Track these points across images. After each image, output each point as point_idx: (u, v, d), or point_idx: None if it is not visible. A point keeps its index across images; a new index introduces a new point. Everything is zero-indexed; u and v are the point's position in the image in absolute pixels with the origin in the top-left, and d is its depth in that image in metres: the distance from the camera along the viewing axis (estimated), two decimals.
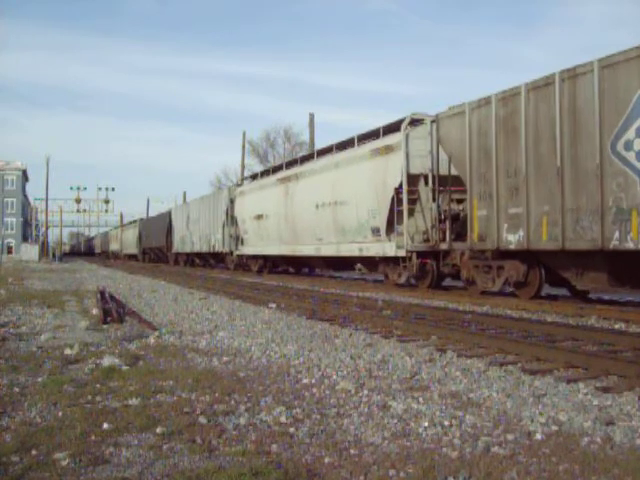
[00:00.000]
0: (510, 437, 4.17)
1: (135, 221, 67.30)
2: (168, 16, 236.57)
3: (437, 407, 4.91)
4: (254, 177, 30.99)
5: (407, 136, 16.08)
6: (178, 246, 43.25)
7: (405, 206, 15.84)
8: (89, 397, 5.24)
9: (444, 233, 14.80)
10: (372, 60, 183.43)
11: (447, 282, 16.87)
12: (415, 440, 4.16)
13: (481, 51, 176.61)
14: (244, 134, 52.18)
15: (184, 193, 71.16)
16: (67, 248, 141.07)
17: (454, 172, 14.29)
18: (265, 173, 28.70)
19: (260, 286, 18.92)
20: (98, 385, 5.69)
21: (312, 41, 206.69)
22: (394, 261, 16.92)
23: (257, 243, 27.52)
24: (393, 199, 16.24)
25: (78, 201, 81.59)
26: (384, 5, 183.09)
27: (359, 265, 21.41)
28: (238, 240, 30.33)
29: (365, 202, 17.74)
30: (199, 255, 39.59)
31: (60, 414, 4.73)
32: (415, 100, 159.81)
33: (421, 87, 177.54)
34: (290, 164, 25.61)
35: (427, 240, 15.65)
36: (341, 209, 19.25)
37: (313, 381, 5.90)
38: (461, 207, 14.70)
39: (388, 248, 16.66)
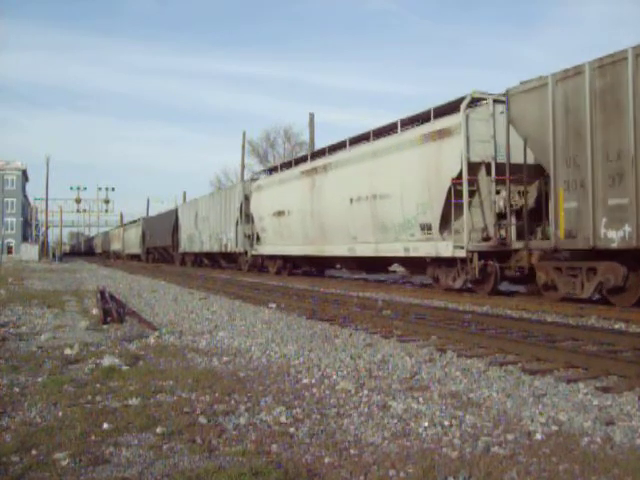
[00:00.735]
0: (510, 437, 4.17)
1: (138, 220, 65.15)
2: (168, 16, 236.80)
3: (437, 407, 4.91)
4: (272, 170, 28.17)
5: (467, 118, 13.89)
6: (185, 245, 41.17)
7: (466, 199, 13.76)
8: (89, 397, 5.24)
9: (506, 230, 13.29)
10: (372, 60, 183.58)
11: (505, 286, 15.24)
12: (415, 440, 4.16)
13: (481, 51, 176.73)
14: (244, 134, 52.20)
15: (184, 193, 71.20)
16: (67, 248, 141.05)
17: (529, 159, 12.47)
18: (286, 165, 25.79)
19: (260, 286, 18.92)
20: (98, 385, 5.69)
21: (312, 41, 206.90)
22: (448, 263, 14.89)
23: (276, 242, 25.18)
24: (450, 191, 14.08)
25: (78, 201, 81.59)
26: (384, 5, 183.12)
27: (397, 267, 19.93)
28: (253, 239, 28.07)
29: (413, 195, 15.53)
30: (208, 255, 37.42)
31: (60, 414, 4.73)
32: (415, 100, 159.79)
33: (421, 87, 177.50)
34: (316, 154, 22.89)
35: (487, 238, 13.81)
36: (382, 203, 16.86)
37: (313, 381, 5.90)
38: (523, 200, 13.04)
39: (443, 248, 14.53)
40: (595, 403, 5.00)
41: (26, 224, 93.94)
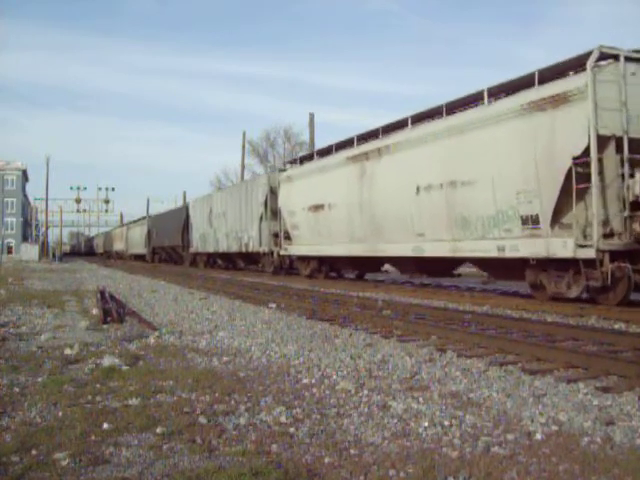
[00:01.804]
0: (510, 437, 4.17)
1: (143, 218, 61.67)
2: (168, 16, 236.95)
3: (437, 407, 4.91)
4: (305, 159, 24.16)
5: (594, 79, 10.91)
6: (197, 245, 37.65)
7: (596, 184, 10.70)
8: (89, 397, 5.24)
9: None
10: (372, 60, 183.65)
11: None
12: (415, 440, 4.16)
13: (481, 51, 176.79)
14: (244, 134, 52.21)
15: (184, 193, 71.18)
16: (67, 248, 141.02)
17: None
18: (324, 152, 21.85)
19: (260, 286, 18.91)
20: (98, 385, 5.69)
21: (312, 41, 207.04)
22: (559, 265, 11.93)
23: (312, 241, 21.76)
24: (570, 173, 11.05)
25: (78, 201, 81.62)
26: (384, 5, 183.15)
27: (470, 269, 17.08)
28: (281, 238, 24.61)
29: (510, 180, 12.48)
30: (224, 256, 33.95)
31: (60, 414, 4.72)
32: (415, 100, 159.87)
33: (421, 87, 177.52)
34: (366, 137, 19.04)
35: (609, 234, 10.94)
36: (463, 192, 13.80)
37: (313, 381, 5.90)
38: None
39: (558, 246, 11.44)
40: (595, 403, 5.00)
41: (26, 224, 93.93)
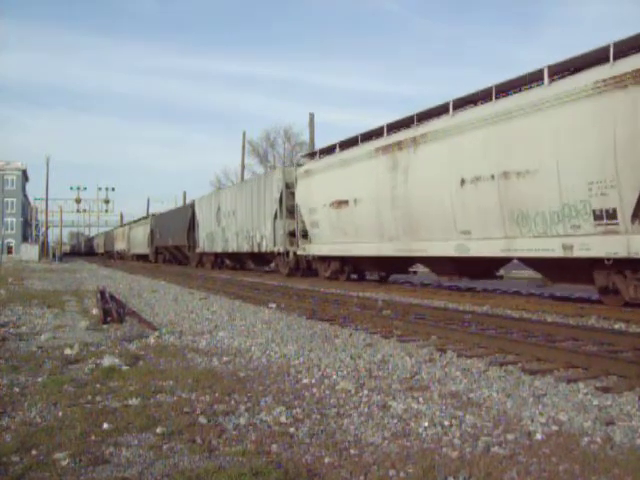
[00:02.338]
0: (510, 437, 4.17)
1: (146, 217, 59.90)
2: (168, 16, 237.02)
3: (437, 407, 4.91)
4: (325, 151, 21.80)
5: None
6: (204, 245, 35.93)
7: None
8: (89, 397, 5.24)
9: None
10: (372, 60, 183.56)
11: None
12: (415, 440, 4.16)
13: (481, 51, 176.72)
14: (244, 134, 52.24)
15: (184, 193, 71.21)
16: (67, 248, 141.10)
17: None
18: (348, 143, 19.71)
19: (260, 286, 18.92)
20: (98, 385, 5.69)
21: (312, 41, 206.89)
22: (637, 267, 10.53)
23: (334, 239, 20.03)
24: None
25: (78, 201, 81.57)
26: (384, 5, 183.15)
27: (518, 271, 15.57)
28: (297, 236, 22.99)
29: (579, 170, 10.99)
30: (234, 256, 32.24)
31: (60, 414, 4.73)
32: (415, 100, 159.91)
33: (421, 87, 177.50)
34: (397, 125, 17.12)
35: None
36: (519, 184, 12.20)
37: (313, 381, 5.90)
38: None
39: None
40: (595, 403, 5.00)
41: (26, 224, 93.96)
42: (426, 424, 4.46)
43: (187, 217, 40.24)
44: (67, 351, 7.41)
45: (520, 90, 12.83)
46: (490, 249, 13.30)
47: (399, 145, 16.23)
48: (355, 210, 18.47)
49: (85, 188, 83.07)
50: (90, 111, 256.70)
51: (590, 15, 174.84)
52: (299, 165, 23.94)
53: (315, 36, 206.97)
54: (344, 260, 20.81)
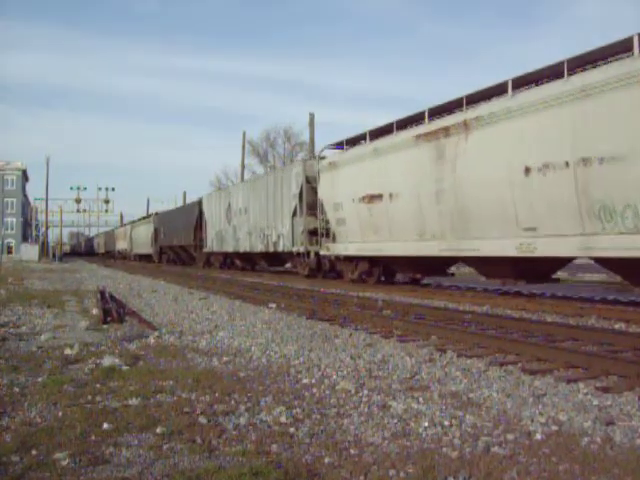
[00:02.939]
0: (510, 437, 4.17)
1: (149, 215, 57.50)
2: (169, 17, 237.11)
3: (437, 407, 4.91)
4: (353, 141, 19.67)
5: None
6: (213, 244, 33.95)
7: None
8: (89, 397, 5.24)
9: None
10: (372, 60, 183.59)
11: None
12: (415, 440, 4.16)
13: (481, 51, 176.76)
14: (244, 134, 52.30)
15: (184, 193, 71.28)
16: (67, 248, 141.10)
17: None
18: (381, 132, 17.64)
19: (260, 286, 18.91)
20: (98, 385, 5.69)
21: (312, 41, 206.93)
22: None
23: (364, 238, 18.16)
24: None
25: (78, 201, 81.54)
26: (384, 5, 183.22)
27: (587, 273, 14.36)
28: (319, 235, 20.92)
29: None
30: (244, 256, 30.55)
31: (60, 414, 4.72)
32: (415, 100, 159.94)
33: (421, 87, 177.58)
34: (441, 110, 15.13)
35: None
36: (603, 171, 10.39)
37: (313, 381, 5.90)
38: None
39: None
40: (595, 403, 5.00)
41: (26, 224, 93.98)
42: (426, 424, 4.46)
43: (194, 215, 38.20)
44: (67, 351, 7.41)
45: (595, 65, 11.12)
46: (562, 248, 11.43)
47: (446, 131, 14.21)
48: (390, 205, 16.49)
49: (85, 188, 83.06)
50: (90, 111, 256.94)
51: (590, 15, 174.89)
52: (322, 158, 21.40)
53: (315, 36, 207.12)
54: (373, 261, 18.93)
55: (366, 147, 18.19)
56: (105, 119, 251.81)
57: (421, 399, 5.17)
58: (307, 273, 22.75)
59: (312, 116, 40.08)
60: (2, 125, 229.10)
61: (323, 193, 20.53)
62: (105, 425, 4.39)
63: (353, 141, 19.64)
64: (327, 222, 20.49)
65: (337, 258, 20.52)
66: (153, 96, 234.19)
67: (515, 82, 12.65)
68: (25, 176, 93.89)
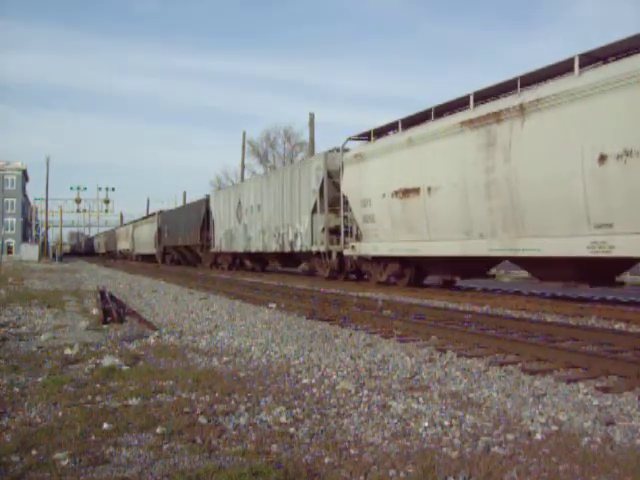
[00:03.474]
0: (510, 437, 4.17)
1: (152, 214, 55.56)
2: (169, 17, 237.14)
3: (437, 407, 4.91)
4: (382, 131, 18.03)
5: None
6: (221, 244, 32.42)
7: None
8: (89, 397, 5.24)
9: None
10: (373, 60, 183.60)
11: None
12: (415, 440, 4.16)
13: (481, 51, 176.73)
14: (244, 134, 52.29)
15: (184, 193, 71.20)
16: (67, 248, 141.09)
17: None
18: (416, 120, 16.12)
19: (260, 286, 18.92)
20: (98, 385, 5.69)
21: (312, 41, 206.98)
22: None
23: (397, 236, 16.51)
24: None
25: (78, 201, 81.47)
26: (384, 5, 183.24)
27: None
28: (341, 233, 19.45)
29: None
30: (256, 256, 29.02)
31: (60, 414, 4.72)
32: (415, 100, 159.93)
33: (421, 87, 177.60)
34: (488, 94, 13.71)
35: None
36: None
37: (313, 381, 5.90)
38: None
39: None
40: (595, 403, 5.00)
41: (26, 224, 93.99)
42: (426, 424, 4.46)
43: (200, 214, 36.26)
44: (67, 351, 7.41)
45: None
46: None
47: (497, 116, 12.70)
48: (428, 200, 14.86)
49: (85, 188, 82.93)
50: (90, 111, 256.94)
51: (590, 15, 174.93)
52: (345, 150, 19.72)
53: (315, 36, 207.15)
54: (404, 261, 17.32)
55: (398, 137, 16.50)
56: (105, 119, 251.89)
57: (421, 399, 5.17)
58: (328, 275, 21.34)
59: (312, 116, 40.09)
60: (2, 125, 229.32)
61: (348, 188, 18.84)
62: (105, 425, 4.39)
63: (381, 131, 18.03)
64: (352, 219, 18.87)
65: (361, 259, 18.95)
66: (153, 96, 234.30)
67: (582, 60, 11.31)
68: (25, 176, 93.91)
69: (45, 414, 4.75)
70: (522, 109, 12.09)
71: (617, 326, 9.47)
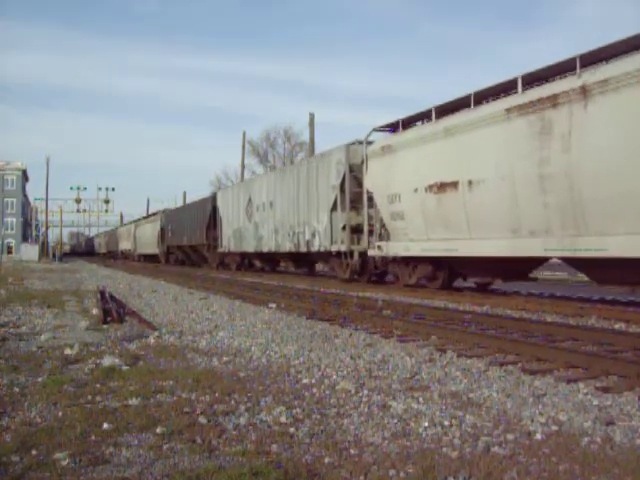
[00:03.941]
0: (510, 437, 4.17)
1: (155, 213, 54.12)
2: (169, 17, 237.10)
3: (437, 407, 4.91)
4: (412, 121, 16.63)
5: None
6: (229, 244, 30.79)
7: None
8: (89, 397, 5.24)
9: None
10: (373, 60, 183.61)
11: None
12: (415, 440, 4.16)
13: (481, 51, 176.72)
14: (244, 134, 52.27)
15: (184, 193, 71.26)
16: (67, 248, 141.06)
17: None
18: (452, 108, 14.65)
19: (260, 286, 18.91)
20: (98, 385, 5.69)
21: (312, 41, 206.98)
22: None
23: (430, 235, 15.07)
24: None
25: (78, 201, 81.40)
26: (384, 5, 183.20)
27: None
28: (364, 232, 18.11)
29: None
30: (268, 256, 27.47)
31: (60, 414, 4.72)
32: (415, 100, 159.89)
33: (421, 87, 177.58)
34: (539, 76, 12.25)
35: None
36: None
37: (313, 381, 5.90)
38: None
39: None
40: (595, 403, 5.00)
41: (26, 224, 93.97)
42: (426, 424, 4.46)
43: (206, 212, 34.58)
44: (67, 351, 7.41)
45: None
46: None
47: (553, 101, 11.22)
48: (469, 195, 13.51)
49: (85, 188, 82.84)
50: (90, 111, 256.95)
51: (590, 15, 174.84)
52: (369, 142, 18.11)
53: (315, 36, 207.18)
54: (436, 262, 15.90)
55: (433, 126, 15.02)
56: (105, 119, 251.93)
57: (421, 399, 5.16)
58: (348, 276, 19.57)
59: (312, 116, 40.09)
60: (2, 125, 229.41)
61: (373, 183, 17.39)
62: (105, 425, 4.39)
63: (410, 120, 16.60)
64: (379, 217, 17.38)
65: (386, 259, 17.62)
66: (153, 96, 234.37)
67: None
68: (25, 176, 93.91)
69: (45, 414, 4.75)
70: (584, 91, 10.58)
71: (617, 326, 9.47)
